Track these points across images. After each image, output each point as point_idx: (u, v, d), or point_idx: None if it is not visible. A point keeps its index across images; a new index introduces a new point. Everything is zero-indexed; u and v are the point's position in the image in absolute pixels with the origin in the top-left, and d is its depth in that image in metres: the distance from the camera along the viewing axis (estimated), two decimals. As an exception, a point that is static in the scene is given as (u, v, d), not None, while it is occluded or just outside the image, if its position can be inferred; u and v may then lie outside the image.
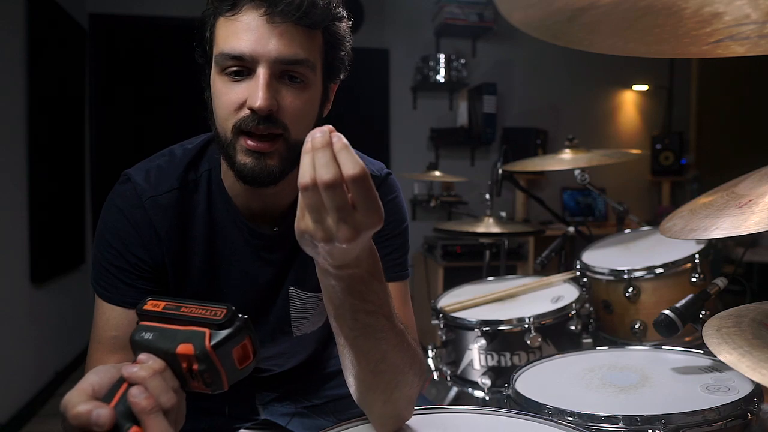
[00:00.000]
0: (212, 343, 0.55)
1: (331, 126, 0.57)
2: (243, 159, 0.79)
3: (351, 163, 0.54)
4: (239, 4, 0.76)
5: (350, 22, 0.86)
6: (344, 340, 0.68)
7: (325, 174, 0.53)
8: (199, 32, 0.83)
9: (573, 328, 1.39)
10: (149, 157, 0.93)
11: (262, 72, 0.76)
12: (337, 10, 0.82)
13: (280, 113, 0.78)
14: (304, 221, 0.57)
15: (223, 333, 0.56)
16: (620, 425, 0.81)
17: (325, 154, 0.54)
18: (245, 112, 0.77)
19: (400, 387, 0.73)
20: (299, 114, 0.80)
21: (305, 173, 0.55)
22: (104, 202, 0.90)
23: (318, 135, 0.55)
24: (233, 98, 0.78)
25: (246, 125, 0.77)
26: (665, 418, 0.79)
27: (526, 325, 1.34)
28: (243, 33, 0.76)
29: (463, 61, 4.04)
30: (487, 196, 2.09)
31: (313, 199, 0.55)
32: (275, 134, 0.79)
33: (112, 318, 0.85)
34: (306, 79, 0.80)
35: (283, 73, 0.78)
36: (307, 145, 0.55)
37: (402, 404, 0.76)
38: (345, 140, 0.55)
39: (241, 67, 0.77)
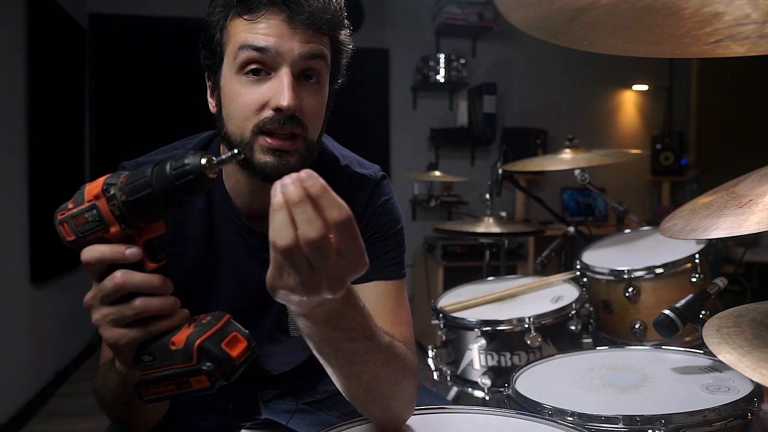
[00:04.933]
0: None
1: (307, 171, 0.50)
2: (263, 158, 0.79)
3: (335, 207, 0.49)
4: (259, 9, 0.77)
5: (350, 30, 0.87)
6: (331, 369, 0.67)
7: (311, 232, 0.48)
8: (206, 34, 0.82)
9: (573, 328, 1.39)
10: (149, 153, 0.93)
11: (285, 71, 0.77)
12: (344, 17, 0.84)
13: (300, 113, 0.79)
14: (282, 280, 0.52)
15: None
16: (620, 425, 0.81)
17: (306, 209, 0.49)
18: (268, 112, 0.77)
19: (397, 396, 0.73)
20: (317, 114, 0.82)
21: (283, 233, 0.49)
22: None
23: (290, 187, 0.49)
24: (255, 98, 0.78)
25: (270, 125, 0.77)
26: (665, 418, 0.79)
27: (526, 325, 1.34)
28: (264, 30, 0.76)
29: (463, 61, 4.04)
30: (487, 196, 2.09)
31: (296, 258, 0.50)
32: (296, 133, 0.79)
33: None
34: (321, 78, 0.81)
35: (301, 72, 0.79)
36: (278, 199, 0.49)
37: (401, 408, 0.76)
38: (321, 180, 0.50)
39: (261, 66, 0.77)
